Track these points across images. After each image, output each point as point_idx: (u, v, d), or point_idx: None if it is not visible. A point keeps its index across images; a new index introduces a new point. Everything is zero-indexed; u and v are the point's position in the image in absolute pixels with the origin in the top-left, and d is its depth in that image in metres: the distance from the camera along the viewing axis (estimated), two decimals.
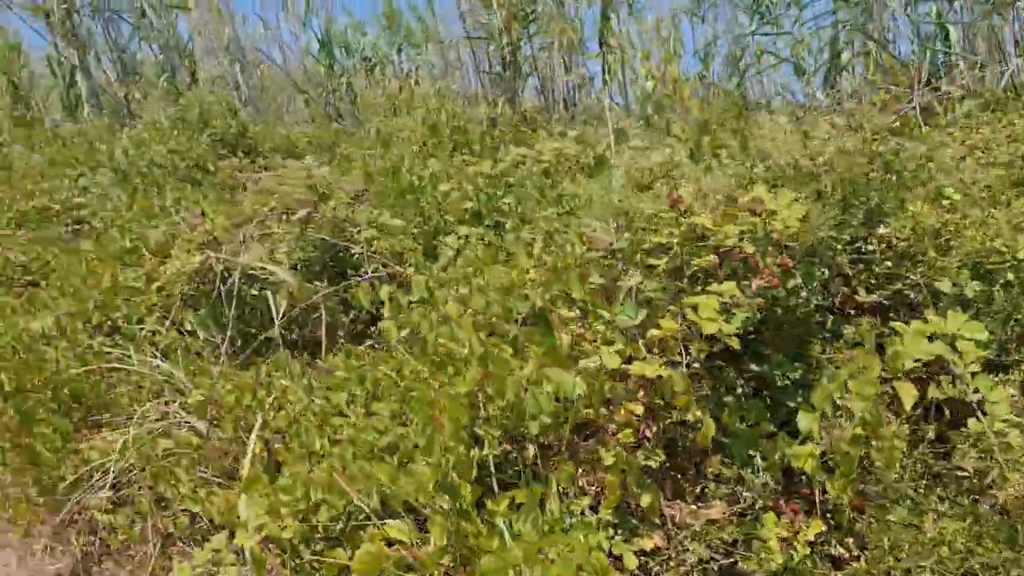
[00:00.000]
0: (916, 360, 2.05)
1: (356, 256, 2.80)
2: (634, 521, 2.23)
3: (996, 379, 2.21)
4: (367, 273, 2.67)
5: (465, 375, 1.79)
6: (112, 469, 2.76)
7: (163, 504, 2.77)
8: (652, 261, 2.41)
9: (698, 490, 2.42)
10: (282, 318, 2.54)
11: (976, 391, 2.10)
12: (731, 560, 2.22)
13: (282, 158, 6.08)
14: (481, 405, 1.92)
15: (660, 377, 2.12)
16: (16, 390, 2.94)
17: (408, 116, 5.31)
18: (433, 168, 2.62)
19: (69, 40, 7.30)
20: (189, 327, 3.03)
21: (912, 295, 2.64)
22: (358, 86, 9.23)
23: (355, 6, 23.95)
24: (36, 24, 7.71)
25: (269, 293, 2.65)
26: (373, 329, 2.66)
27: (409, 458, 2.00)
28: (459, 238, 2.49)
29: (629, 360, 2.18)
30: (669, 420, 2.34)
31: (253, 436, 2.16)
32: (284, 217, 3.04)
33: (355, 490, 1.91)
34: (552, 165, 2.79)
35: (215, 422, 2.44)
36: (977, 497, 2.23)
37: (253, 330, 2.89)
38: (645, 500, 2.13)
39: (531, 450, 2.11)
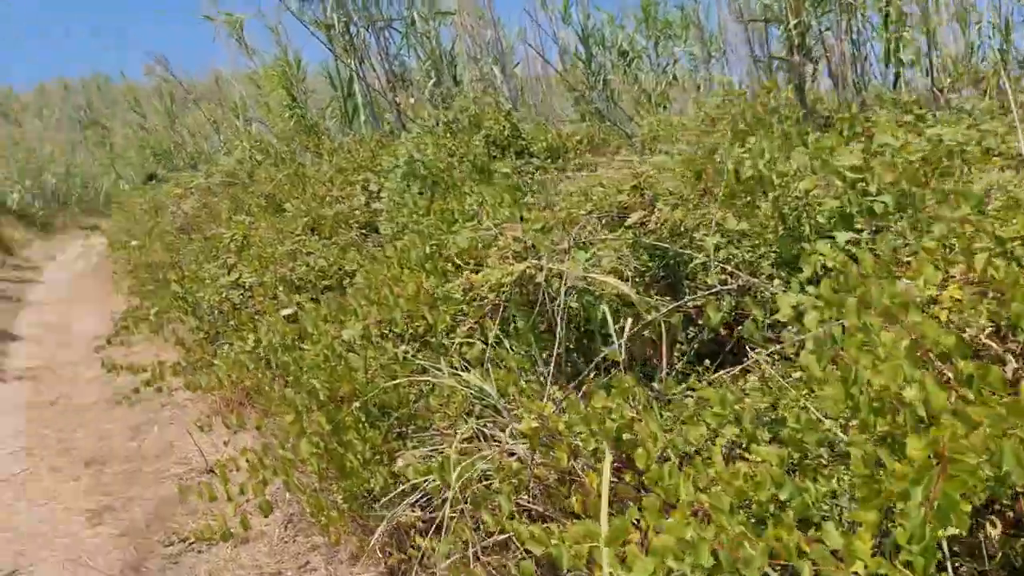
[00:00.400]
0: None
1: (693, 265, 2.45)
2: None
3: None
4: (710, 286, 2.31)
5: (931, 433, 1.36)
6: (425, 487, 2.63)
7: (477, 527, 2.60)
8: None
9: None
10: (622, 335, 2.24)
11: None
12: None
13: (550, 160, 5.92)
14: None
15: None
16: (329, 398, 2.92)
17: (694, 110, 4.91)
18: (797, 161, 2.20)
19: (348, 51, 7.67)
20: (498, 340, 2.85)
21: None
22: (615, 83, 8.96)
23: (605, 3, 23.52)
24: (318, 35, 8.20)
25: (604, 307, 2.36)
26: (719, 350, 2.30)
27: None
28: (834, 245, 2.05)
29: None
30: None
31: (606, 474, 1.86)
32: (603, 221, 2.77)
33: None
34: (929, 154, 2.27)
35: (542, 449, 2.20)
36: None
37: (571, 346, 2.64)
38: None
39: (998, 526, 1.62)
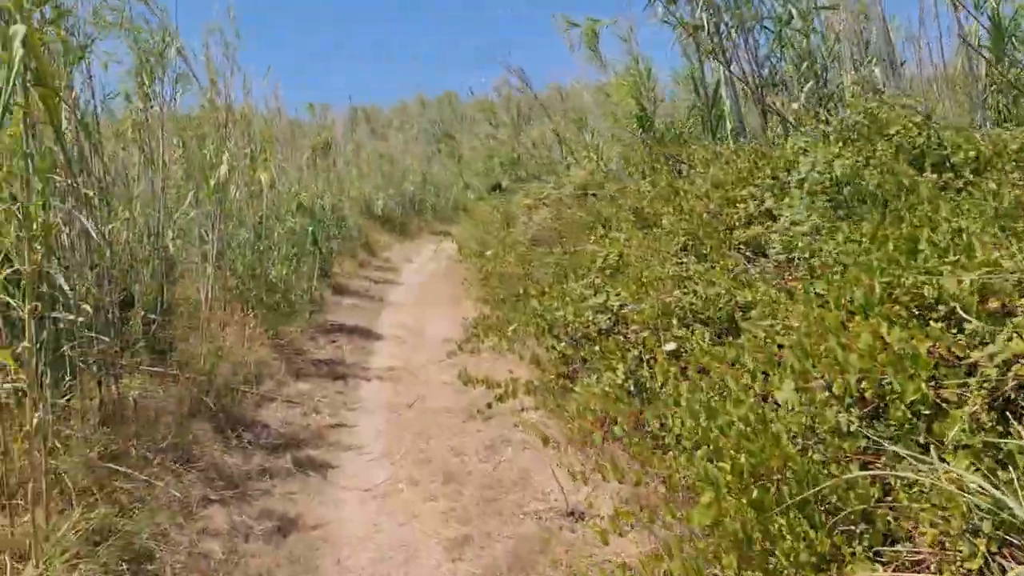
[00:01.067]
0: None
1: None
2: None
3: None
4: None
5: None
6: None
7: None
8: None
9: None
10: None
11: None
12: None
13: (975, 173, 4.77)
14: None
15: None
16: (751, 475, 2.30)
17: None
18: None
19: (717, 54, 7.04)
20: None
21: None
22: None
23: None
24: (684, 41, 7.68)
25: None
26: None
27: None
28: None
29: None
30: None
31: None
32: None
33: None
34: None
35: None
36: None
37: None
38: None
39: None
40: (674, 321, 3.70)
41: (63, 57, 4.26)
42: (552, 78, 17.83)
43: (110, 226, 5.15)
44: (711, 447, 2.33)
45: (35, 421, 2.86)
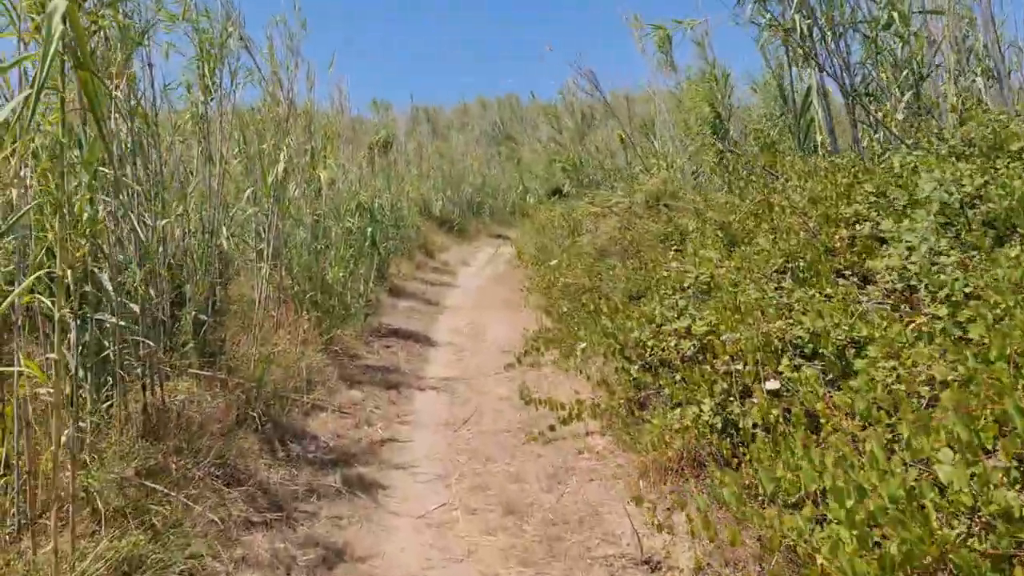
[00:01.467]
0: None
1: None
2: None
3: None
4: None
5: None
6: None
7: None
8: None
9: None
10: None
11: None
12: None
13: None
14: None
15: None
16: (901, 566, 1.88)
17: None
18: None
19: (809, 58, 6.53)
20: None
21: None
22: None
23: None
24: (770, 44, 7.19)
25: None
26: None
27: None
28: None
29: None
30: None
31: None
32: None
33: None
34: None
35: None
36: None
37: None
38: None
39: None
40: (773, 354, 3.26)
41: (119, 43, 4.00)
42: (617, 82, 17.32)
43: (163, 222, 4.91)
44: (852, 529, 1.90)
45: (62, 439, 2.56)
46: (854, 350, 3.10)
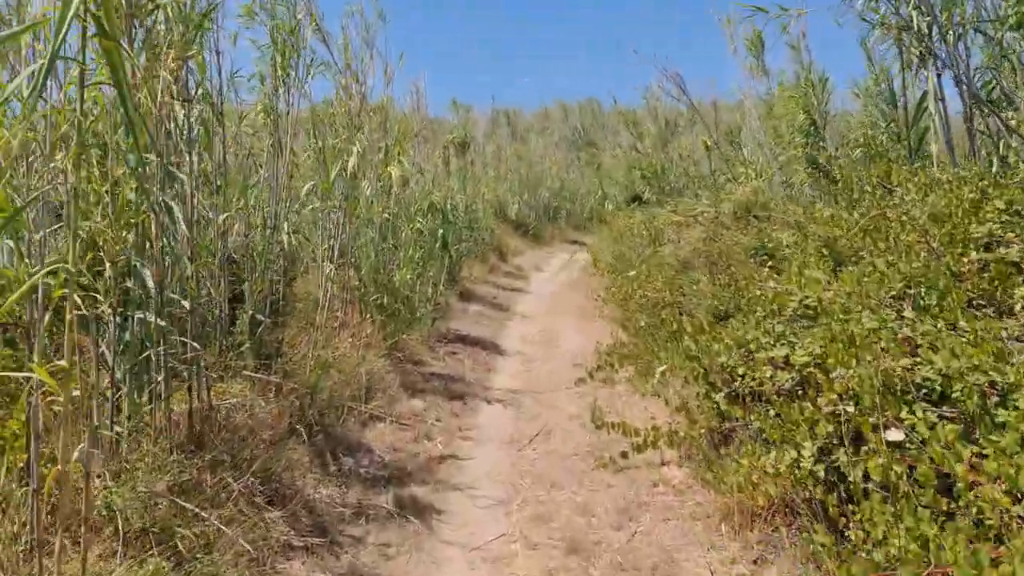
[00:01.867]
0: None
1: None
2: None
3: None
4: None
5: None
6: None
7: None
8: None
9: None
10: None
11: None
12: None
13: None
14: None
15: None
16: None
17: None
18: None
19: (927, 61, 5.92)
20: None
21: None
22: None
23: None
24: (880, 44, 6.58)
25: None
26: None
27: None
28: None
29: None
30: None
31: None
32: None
33: None
34: None
35: None
36: None
37: None
38: None
39: None
40: (893, 397, 2.76)
41: (178, 26, 3.75)
42: (702, 86, 16.69)
43: (224, 215, 4.68)
44: None
45: (74, 454, 2.27)
46: (996, 398, 2.59)
